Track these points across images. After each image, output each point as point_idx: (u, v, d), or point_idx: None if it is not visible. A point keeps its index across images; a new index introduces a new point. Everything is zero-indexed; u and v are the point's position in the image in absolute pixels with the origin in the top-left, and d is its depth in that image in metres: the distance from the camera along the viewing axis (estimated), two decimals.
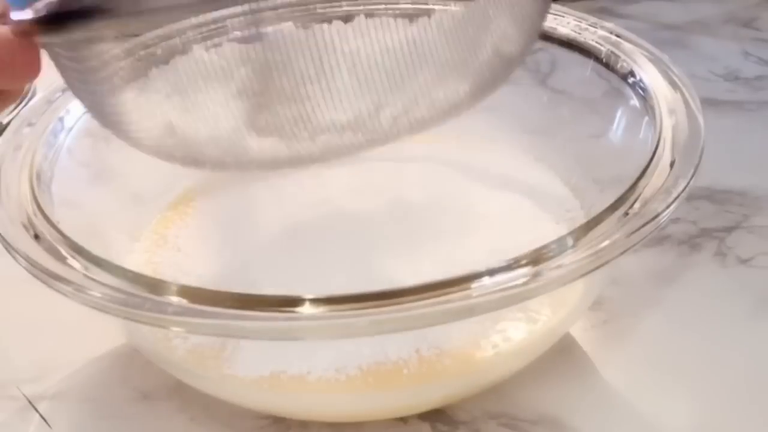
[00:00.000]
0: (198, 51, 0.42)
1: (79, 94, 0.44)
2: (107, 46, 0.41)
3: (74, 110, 0.53)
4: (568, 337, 0.51)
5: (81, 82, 0.42)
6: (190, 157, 0.43)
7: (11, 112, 0.58)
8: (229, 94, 0.40)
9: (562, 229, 0.50)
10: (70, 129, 0.52)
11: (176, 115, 0.41)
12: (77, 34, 0.40)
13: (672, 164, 0.44)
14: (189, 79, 0.41)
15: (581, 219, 0.51)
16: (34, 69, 0.41)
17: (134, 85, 0.42)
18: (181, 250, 0.53)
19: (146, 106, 0.42)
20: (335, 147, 0.41)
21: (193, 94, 0.41)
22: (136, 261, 0.53)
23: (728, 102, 0.73)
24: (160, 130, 0.42)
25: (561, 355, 0.50)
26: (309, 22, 0.55)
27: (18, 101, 0.58)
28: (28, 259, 0.41)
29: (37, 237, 0.43)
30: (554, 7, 0.57)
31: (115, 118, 0.43)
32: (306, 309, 0.37)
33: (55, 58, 0.42)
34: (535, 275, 0.38)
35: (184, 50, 0.43)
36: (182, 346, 0.46)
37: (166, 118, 0.41)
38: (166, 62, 0.42)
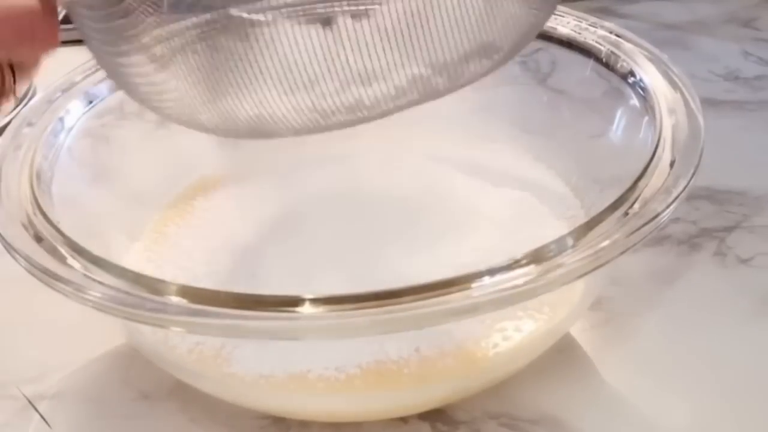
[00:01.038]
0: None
1: (102, 61, 0.44)
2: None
3: (74, 110, 0.53)
4: (568, 337, 0.51)
5: (107, 45, 0.43)
6: (216, 122, 0.43)
7: (11, 112, 0.58)
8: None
9: (562, 229, 0.50)
10: (70, 129, 0.52)
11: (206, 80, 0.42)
12: None
13: (672, 164, 0.44)
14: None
15: (581, 218, 0.51)
16: (53, 40, 0.42)
17: (161, 48, 0.43)
18: (180, 248, 0.53)
19: (175, 70, 0.42)
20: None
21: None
22: (135, 260, 0.53)
23: (728, 102, 0.73)
24: (189, 94, 0.42)
25: (561, 355, 0.50)
26: (310, 21, 0.56)
27: (18, 102, 0.58)
28: (28, 259, 0.41)
29: (37, 237, 0.43)
30: None
31: (142, 86, 0.43)
32: (306, 309, 0.37)
33: (80, 22, 0.42)
34: (536, 275, 0.38)
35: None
36: (182, 345, 0.46)
37: (197, 84, 0.42)
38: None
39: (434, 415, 0.47)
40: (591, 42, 0.55)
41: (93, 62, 0.52)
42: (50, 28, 0.42)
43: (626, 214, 0.41)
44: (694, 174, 0.43)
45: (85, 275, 0.40)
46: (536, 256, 0.39)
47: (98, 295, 0.39)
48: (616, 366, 0.50)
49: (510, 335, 0.45)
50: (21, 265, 0.42)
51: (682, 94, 0.49)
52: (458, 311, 0.38)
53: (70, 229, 0.43)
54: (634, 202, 0.42)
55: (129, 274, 0.40)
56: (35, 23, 0.41)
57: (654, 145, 0.45)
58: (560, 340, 0.49)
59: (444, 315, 0.38)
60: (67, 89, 0.54)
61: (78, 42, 0.42)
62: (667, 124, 0.47)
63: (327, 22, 0.42)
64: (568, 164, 0.56)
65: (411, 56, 0.41)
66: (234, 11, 0.42)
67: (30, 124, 0.51)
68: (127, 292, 0.39)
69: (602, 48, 0.54)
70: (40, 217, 0.44)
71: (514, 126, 0.59)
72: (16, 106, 0.57)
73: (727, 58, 0.80)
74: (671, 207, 0.41)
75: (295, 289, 0.38)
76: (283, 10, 0.48)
